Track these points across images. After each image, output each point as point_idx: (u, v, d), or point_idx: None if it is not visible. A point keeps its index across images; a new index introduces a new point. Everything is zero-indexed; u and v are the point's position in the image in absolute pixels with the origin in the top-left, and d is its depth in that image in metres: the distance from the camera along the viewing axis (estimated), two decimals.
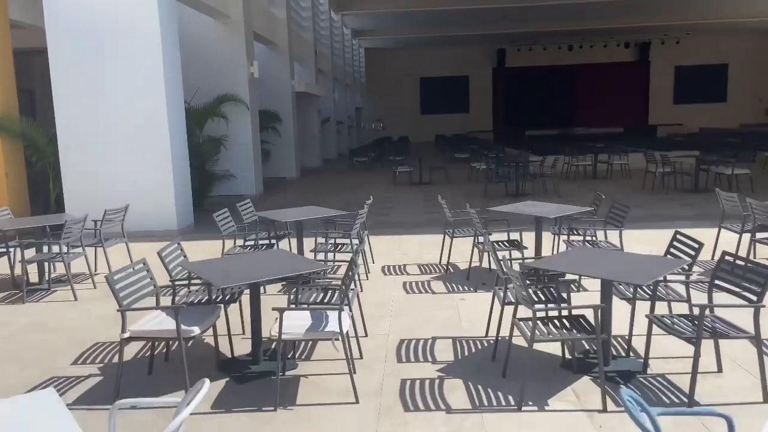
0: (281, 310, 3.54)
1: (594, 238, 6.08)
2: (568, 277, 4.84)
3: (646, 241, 7.60)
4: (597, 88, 42.57)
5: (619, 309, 4.56)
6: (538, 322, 3.52)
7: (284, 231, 7.04)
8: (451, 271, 6.70)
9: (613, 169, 14.85)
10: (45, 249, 6.37)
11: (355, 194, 13.19)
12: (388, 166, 17.80)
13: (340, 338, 3.60)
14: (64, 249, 5.93)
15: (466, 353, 4.34)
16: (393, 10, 27.61)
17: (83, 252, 6.32)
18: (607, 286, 3.81)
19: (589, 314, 3.75)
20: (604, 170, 14.99)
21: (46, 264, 6.28)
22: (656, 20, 33.09)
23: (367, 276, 6.48)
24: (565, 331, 3.59)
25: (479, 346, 4.46)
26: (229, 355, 4.34)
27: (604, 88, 42.48)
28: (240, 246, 6.50)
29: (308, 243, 7.43)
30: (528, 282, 4.15)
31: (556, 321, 3.71)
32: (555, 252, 6.95)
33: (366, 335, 4.74)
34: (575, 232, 6.47)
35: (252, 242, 6.55)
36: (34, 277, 6.63)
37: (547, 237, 7.04)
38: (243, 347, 4.47)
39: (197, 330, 3.63)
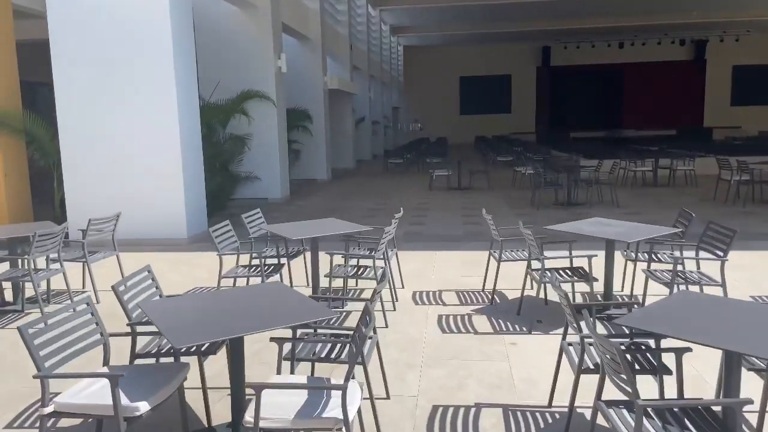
0: (258, 388, 2.43)
1: (682, 268, 4.79)
2: (679, 343, 3.52)
3: (736, 267, 6.23)
4: (648, 88, 40.34)
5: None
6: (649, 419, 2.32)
7: (297, 248, 5.97)
8: (497, 301, 5.50)
9: (675, 176, 13.31)
10: (21, 263, 5.47)
11: (387, 200, 12.07)
12: (425, 169, 16.63)
13: (343, 429, 2.47)
14: (35, 264, 5.00)
15: None
16: (432, 5, 26.42)
17: (61, 268, 5.38)
18: (733, 364, 2.58)
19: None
20: (664, 177, 13.47)
21: (21, 281, 5.37)
22: (716, 16, 30.91)
23: (394, 305, 5.34)
24: None
25: (541, 423, 3.28)
26: (204, 424, 3.28)
27: (656, 88, 40.22)
28: (243, 266, 5.45)
29: (324, 262, 6.36)
30: (621, 346, 2.88)
31: (670, 415, 2.49)
32: (630, 284, 5.68)
33: (388, 397, 3.61)
34: (656, 258, 5.19)
35: (258, 261, 5.51)
36: (15, 294, 5.75)
37: (617, 261, 5.75)
38: (224, 411, 3.40)
39: (144, 407, 2.57)
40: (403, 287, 5.90)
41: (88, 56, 7.91)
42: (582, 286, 5.66)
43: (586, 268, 5.06)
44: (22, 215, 8.82)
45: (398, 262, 6.48)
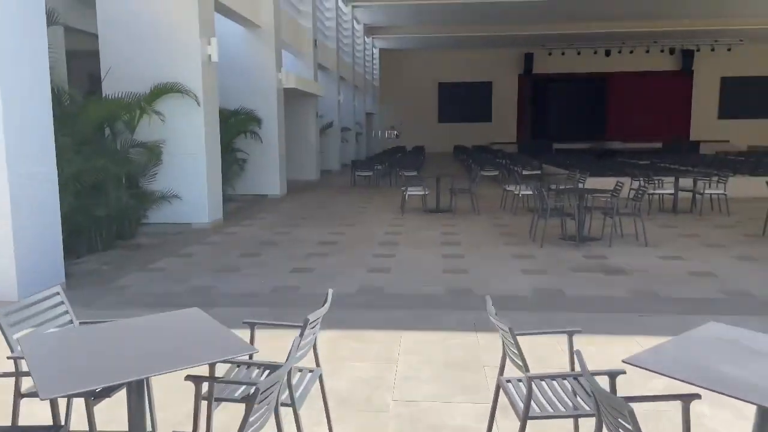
0: None
1: None
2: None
3: None
4: (633, 99, 38.56)
5: None
6: None
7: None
8: None
9: (701, 200, 10.92)
10: None
11: (346, 227, 9.44)
12: (399, 182, 14.05)
13: None
14: None
15: None
16: (408, 1, 24.01)
17: None
18: None
19: None
20: (684, 200, 11.10)
21: None
22: (709, 24, 29.13)
23: None
24: None
25: None
26: None
27: (641, 99, 38.47)
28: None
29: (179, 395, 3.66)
30: None
31: None
32: None
33: None
34: None
35: None
36: None
37: None
38: None
39: None
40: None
41: None
42: None
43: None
44: None
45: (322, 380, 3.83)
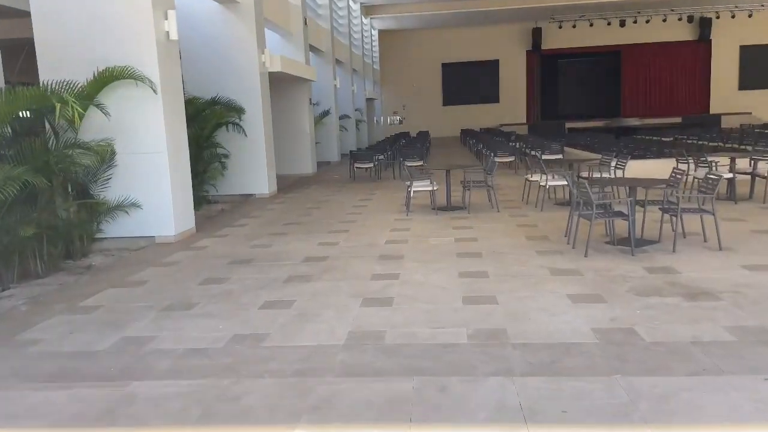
0: None
1: None
2: None
3: None
4: (648, 73, 36.52)
5: None
6: None
7: None
8: None
9: (755, 184, 9.20)
10: None
11: (340, 236, 7.81)
12: (404, 174, 12.42)
13: None
14: None
15: None
16: None
17: None
18: None
19: None
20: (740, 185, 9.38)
21: None
22: None
23: None
24: None
25: None
26: None
27: (657, 72, 36.41)
28: None
29: None
30: None
31: None
32: None
33: None
34: None
35: None
36: None
37: None
38: None
39: None
40: None
41: None
42: None
43: None
44: None
45: None
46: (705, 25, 34.01)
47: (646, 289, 4.90)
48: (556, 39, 35.04)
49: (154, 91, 7.57)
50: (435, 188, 9.24)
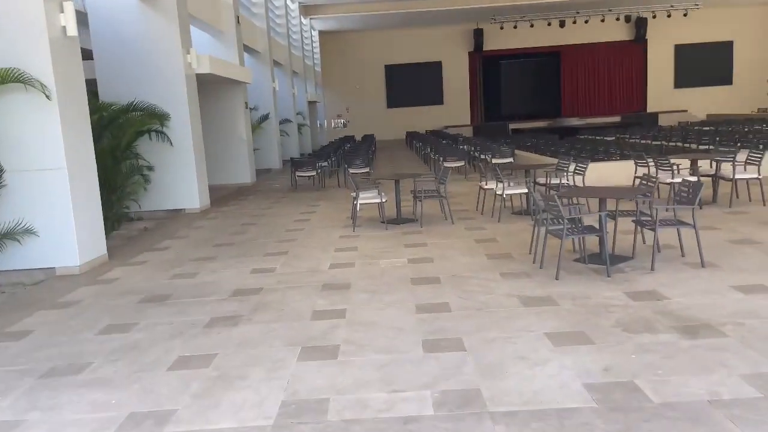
0: None
1: None
2: None
3: None
4: (586, 72, 37.01)
5: None
6: None
7: None
8: None
9: (718, 187, 8.79)
10: None
11: (278, 259, 6.81)
12: (350, 182, 11.50)
13: None
14: None
15: None
16: None
17: None
18: None
19: None
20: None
21: None
22: None
23: None
24: None
25: None
26: None
27: (595, 72, 36.95)
28: None
29: None
30: None
31: None
32: None
33: None
34: None
35: None
36: None
37: None
38: None
39: None
40: None
41: None
42: None
43: None
44: None
45: None
46: (641, 25, 34.67)
47: (634, 323, 4.18)
48: (497, 40, 34.94)
49: (48, 96, 6.36)
50: (384, 200, 8.37)
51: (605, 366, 3.54)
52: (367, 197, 8.41)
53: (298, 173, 13.61)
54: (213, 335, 4.49)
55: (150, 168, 10.42)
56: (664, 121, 31.30)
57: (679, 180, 8.31)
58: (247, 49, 16.96)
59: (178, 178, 10.81)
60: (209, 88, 13.92)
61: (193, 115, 10.95)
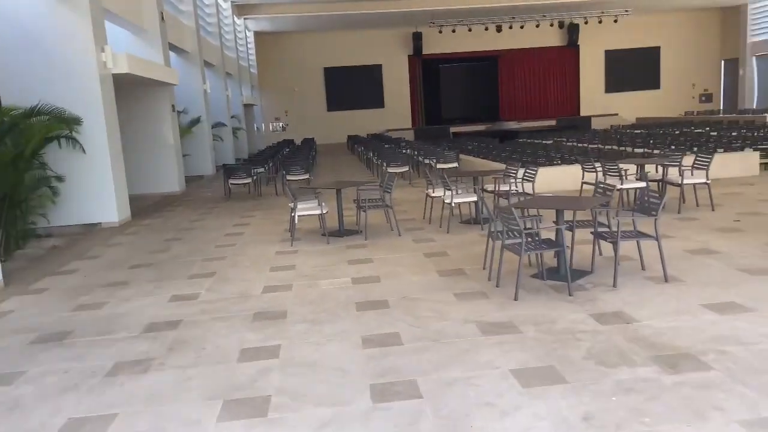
0: None
1: None
2: None
3: None
4: (522, 77, 37.59)
5: None
6: None
7: None
8: None
9: (666, 192, 8.64)
10: None
11: (204, 283, 6.00)
12: (288, 189, 10.74)
13: None
14: None
15: None
16: None
17: None
18: None
19: None
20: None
21: None
22: None
23: None
24: None
25: None
26: None
27: (530, 77, 37.59)
28: None
29: None
30: None
31: None
32: None
33: None
34: None
35: None
36: None
37: None
38: None
39: None
40: None
41: None
42: None
43: None
44: None
45: None
46: (574, 30, 35.47)
47: (607, 355, 3.70)
48: (436, 44, 34.89)
49: None
50: (324, 211, 7.69)
51: (585, 413, 3.02)
52: (307, 208, 7.71)
53: (231, 181, 12.70)
54: (115, 387, 3.70)
55: (59, 178, 9.32)
56: (596, 124, 32.04)
57: (629, 186, 8.09)
58: (174, 48, 15.87)
59: (93, 188, 9.73)
60: (130, 89, 12.81)
61: (110, 118, 9.90)
